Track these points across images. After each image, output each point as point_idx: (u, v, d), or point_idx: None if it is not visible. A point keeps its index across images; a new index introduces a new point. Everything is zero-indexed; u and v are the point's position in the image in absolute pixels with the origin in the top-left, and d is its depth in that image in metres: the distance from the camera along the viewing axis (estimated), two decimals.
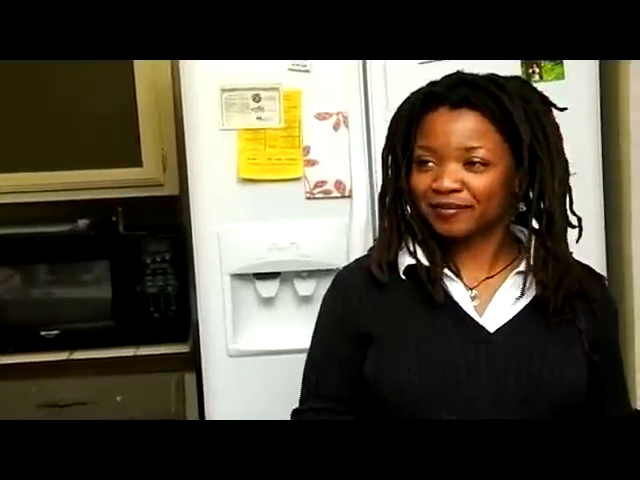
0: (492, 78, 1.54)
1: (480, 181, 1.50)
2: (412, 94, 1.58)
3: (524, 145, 1.51)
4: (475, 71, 1.58)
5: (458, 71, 1.58)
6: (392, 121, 1.60)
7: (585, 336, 1.56)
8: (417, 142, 1.54)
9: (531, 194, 1.56)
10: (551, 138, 1.54)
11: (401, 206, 1.59)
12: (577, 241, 1.60)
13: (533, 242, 1.55)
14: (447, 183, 1.50)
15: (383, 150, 1.61)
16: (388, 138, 1.60)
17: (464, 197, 1.51)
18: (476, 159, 1.50)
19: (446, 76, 1.58)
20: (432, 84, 1.57)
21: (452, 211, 1.52)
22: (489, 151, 1.50)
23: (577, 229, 1.60)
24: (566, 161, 1.56)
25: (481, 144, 1.50)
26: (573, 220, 1.59)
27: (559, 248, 1.55)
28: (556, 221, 1.54)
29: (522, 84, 1.58)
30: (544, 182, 1.53)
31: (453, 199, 1.51)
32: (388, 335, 1.56)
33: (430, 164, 1.53)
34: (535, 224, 1.58)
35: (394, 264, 1.59)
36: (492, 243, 1.58)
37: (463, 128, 1.50)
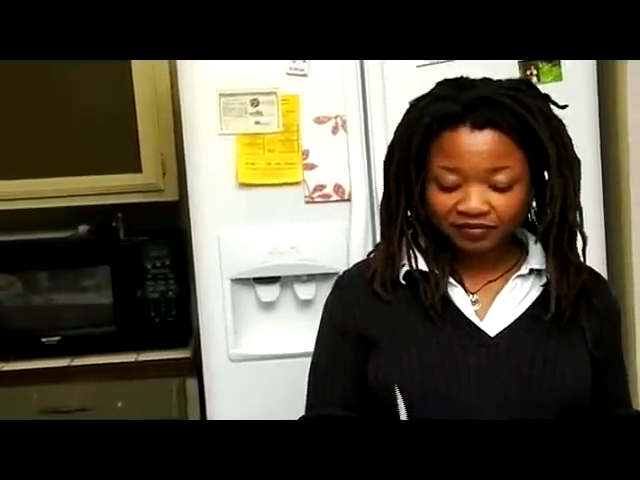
0: (511, 94, 1.50)
1: (506, 201, 1.49)
2: (424, 110, 1.52)
3: (553, 166, 1.50)
4: (473, 72, 1.56)
5: (463, 79, 1.55)
6: (402, 136, 1.54)
7: (588, 333, 1.56)
8: (436, 162, 1.50)
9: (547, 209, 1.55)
10: (571, 154, 1.53)
11: (409, 222, 1.58)
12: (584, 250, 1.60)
13: (552, 259, 1.55)
14: (475, 205, 1.48)
15: (389, 165, 1.57)
16: (398, 153, 1.55)
17: (491, 218, 1.49)
18: (501, 180, 1.48)
19: (451, 85, 1.54)
20: (444, 99, 1.51)
21: (479, 231, 1.50)
22: (513, 171, 1.48)
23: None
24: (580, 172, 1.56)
25: (507, 165, 1.48)
26: None
27: (579, 260, 1.57)
28: (575, 235, 1.55)
29: (528, 87, 1.55)
30: (569, 199, 1.52)
31: (480, 220, 1.49)
32: (389, 340, 1.56)
33: (452, 184, 1.50)
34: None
35: None
36: (496, 248, 1.57)
37: (488, 150, 1.47)
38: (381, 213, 1.62)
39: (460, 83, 1.54)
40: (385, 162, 1.59)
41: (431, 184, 1.52)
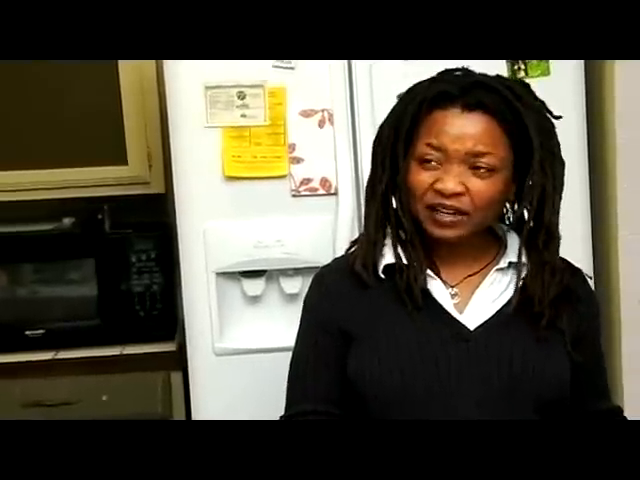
0: (508, 84, 1.53)
1: (483, 187, 1.49)
2: (420, 90, 1.54)
3: (535, 158, 1.50)
4: (461, 66, 1.58)
5: (464, 68, 1.56)
6: (395, 115, 1.56)
7: (568, 336, 1.56)
8: (422, 139, 1.51)
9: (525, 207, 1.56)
10: (557, 154, 1.54)
11: (391, 203, 1.57)
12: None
13: (527, 256, 1.55)
14: (451, 185, 1.48)
15: (378, 143, 1.58)
16: (388, 129, 1.55)
17: (465, 201, 1.49)
18: (483, 164, 1.49)
19: (451, 72, 1.55)
20: (441, 82, 1.53)
21: (449, 218, 1.50)
22: (497, 158, 1.49)
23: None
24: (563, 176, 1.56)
25: (490, 150, 1.49)
26: None
27: (555, 260, 1.56)
28: (555, 236, 1.55)
29: (528, 90, 1.56)
30: (547, 197, 1.52)
31: (453, 202, 1.49)
32: (369, 334, 1.56)
33: (433, 163, 1.50)
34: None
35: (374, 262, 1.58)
36: (474, 242, 1.58)
37: (474, 132, 1.49)
38: (366, 194, 1.62)
39: (460, 71, 1.56)
40: (375, 141, 1.59)
41: (414, 161, 1.53)
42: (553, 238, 1.55)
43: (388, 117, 1.58)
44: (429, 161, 1.51)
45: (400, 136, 1.53)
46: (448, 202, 1.49)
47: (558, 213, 1.55)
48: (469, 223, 1.52)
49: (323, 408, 1.60)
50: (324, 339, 1.60)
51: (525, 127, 1.49)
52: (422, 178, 1.51)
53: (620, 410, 1.71)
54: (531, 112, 1.50)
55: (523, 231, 1.55)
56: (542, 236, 1.54)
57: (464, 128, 1.49)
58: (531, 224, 1.54)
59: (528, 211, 1.54)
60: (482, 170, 1.49)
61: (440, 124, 1.50)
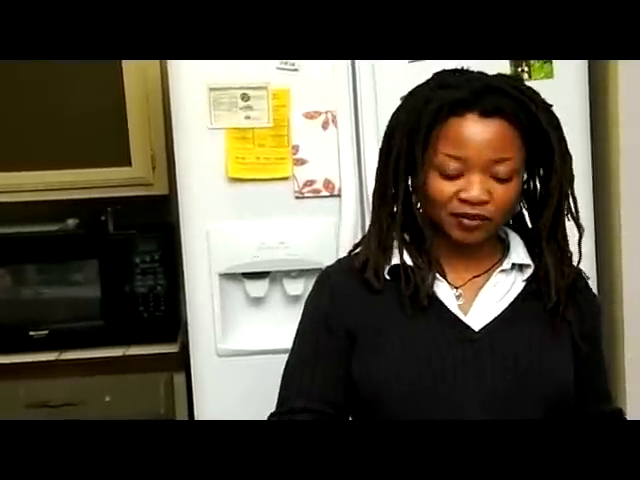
0: (516, 86, 1.52)
1: (505, 192, 1.49)
2: (429, 95, 1.50)
3: (556, 154, 1.50)
4: (465, 67, 1.57)
5: (462, 69, 1.55)
6: (407, 122, 1.52)
7: (575, 327, 1.56)
8: (440, 149, 1.49)
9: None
10: (566, 148, 1.54)
11: (400, 208, 1.56)
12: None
13: (548, 248, 1.56)
14: (477, 194, 1.47)
15: (388, 152, 1.54)
16: (401, 139, 1.52)
17: (489, 208, 1.49)
18: (504, 171, 1.48)
19: (451, 73, 1.54)
20: (449, 87, 1.50)
21: (476, 223, 1.50)
22: (515, 163, 1.49)
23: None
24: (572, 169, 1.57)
25: (510, 155, 1.48)
26: None
27: (570, 252, 1.58)
28: (564, 229, 1.56)
29: (529, 87, 1.55)
30: (563, 191, 1.53)
31: (479, 210, 1.49)
32: (374, 335, 1.55)
33: (455, 172, 1.49)
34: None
35: None
36: (480, 243, 1.58)
37: (494, 139, 1.47)
38: (374, 203, 1.60)
39: (462, 73, 1.54)
40: (382, 150, 1.57)
41: (432, 171, 1.50)
42: (564, 230, 1.56)
43: (397, 123, 1.54)
44: (451, 171, 1.49)
45: (415, 145, 1.50)
46: (473, 211, 1.49)
47: (575, 201, 1.56)
48: (491, 226, 1.53)
49: (315, 406, 1.58)
50: (326, 339, 1.59)
51: (540, 127, 1.49)
52: (444, 188, 1.50)
53: (622, 413, 1.71)
54: (543, 111, 1.50)
55: (543, 228, 1.55)
56: (560, 227, 1.55)
57: (483, 136, 1.47)
58: (551, 219, 1.54)
59: (549, 207, 1.54)
60: (502, 176, 1.49)
61: (458, 133, 1.48)
